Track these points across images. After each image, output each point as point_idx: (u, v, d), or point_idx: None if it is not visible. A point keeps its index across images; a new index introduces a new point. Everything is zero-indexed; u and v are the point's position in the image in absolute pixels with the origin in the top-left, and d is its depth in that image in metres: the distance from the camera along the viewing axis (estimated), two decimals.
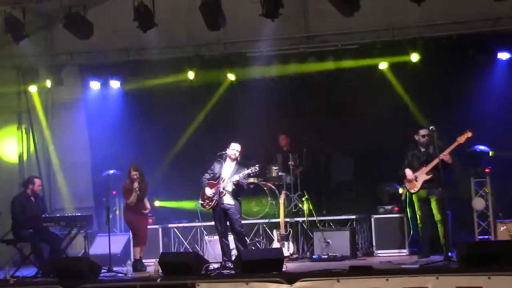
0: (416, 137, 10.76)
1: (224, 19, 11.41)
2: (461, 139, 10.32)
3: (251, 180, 11.74)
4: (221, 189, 10.42)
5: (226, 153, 10.58)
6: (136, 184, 11.33)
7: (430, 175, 10.47)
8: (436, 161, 10.27)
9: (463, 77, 12.43)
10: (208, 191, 10.52)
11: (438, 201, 10.44)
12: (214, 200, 10.46)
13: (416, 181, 10.63)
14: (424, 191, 10.66)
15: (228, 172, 10.57)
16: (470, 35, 12.27)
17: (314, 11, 13.34)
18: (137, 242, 11.53)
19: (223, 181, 10.46)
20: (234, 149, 10.61)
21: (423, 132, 10.68)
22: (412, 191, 10.73)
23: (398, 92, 12.70)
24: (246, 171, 10.49)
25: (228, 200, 10.50)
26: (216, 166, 10.59)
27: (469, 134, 10.29)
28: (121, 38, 13.37)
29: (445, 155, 10.24)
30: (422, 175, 10.58)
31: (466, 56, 12.27)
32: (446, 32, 12.40)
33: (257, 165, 10.58)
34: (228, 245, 10.65)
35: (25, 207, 11.31)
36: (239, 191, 10.60)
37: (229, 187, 10.49)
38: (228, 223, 10.58)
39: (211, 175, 10.62)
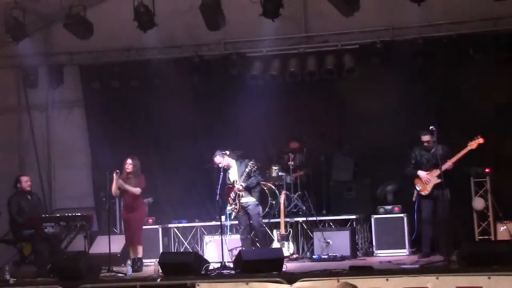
0: (421, 139, 10.76)
1: (224, 19, 11.42)
2: (473, 145, 10.31)
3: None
4: (238, 192, 11.02)
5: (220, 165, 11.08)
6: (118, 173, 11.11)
7: (441, 179, 10.27)
8: (448, 164, 10.33)
9: (463, 77, 12.42)
10: (231, 196, 11.14)
11: (444, 202, 10.39)
12: (237, 203, 11.08)
13: (427, 183, 10.63)
14: (432, 192, 10.66)
15: (235, 174, 11.10)
16: (470, 35, 12.26)
17: (314, 11, 13.33)
18: (127, 241, 11.52)
19: (236, 183, 11.00)
20: (217, 162, 11.12)
21: (425, 138, 10.65)
22: (423, 193, 10.73)
23: (398, 91, 12.67)
24: (245, 173, 11.00)
25: (246, 199, 11.12)
26: (224, 175, 11.04)
27: (481, 140, 10.29)
28: (121, 38, 13.35)
29: (450, 163, 10.31)
30: (434, 178, 10.56)
31: (466, 56, 12.26)
32: (446, 32, 12.39)
33: (252, 160, 11.07)
34: (250, 241, 11.13)
35: (22, 206, 11.34)
36: (252, 188, 11.14)
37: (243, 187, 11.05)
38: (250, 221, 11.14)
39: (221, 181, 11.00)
